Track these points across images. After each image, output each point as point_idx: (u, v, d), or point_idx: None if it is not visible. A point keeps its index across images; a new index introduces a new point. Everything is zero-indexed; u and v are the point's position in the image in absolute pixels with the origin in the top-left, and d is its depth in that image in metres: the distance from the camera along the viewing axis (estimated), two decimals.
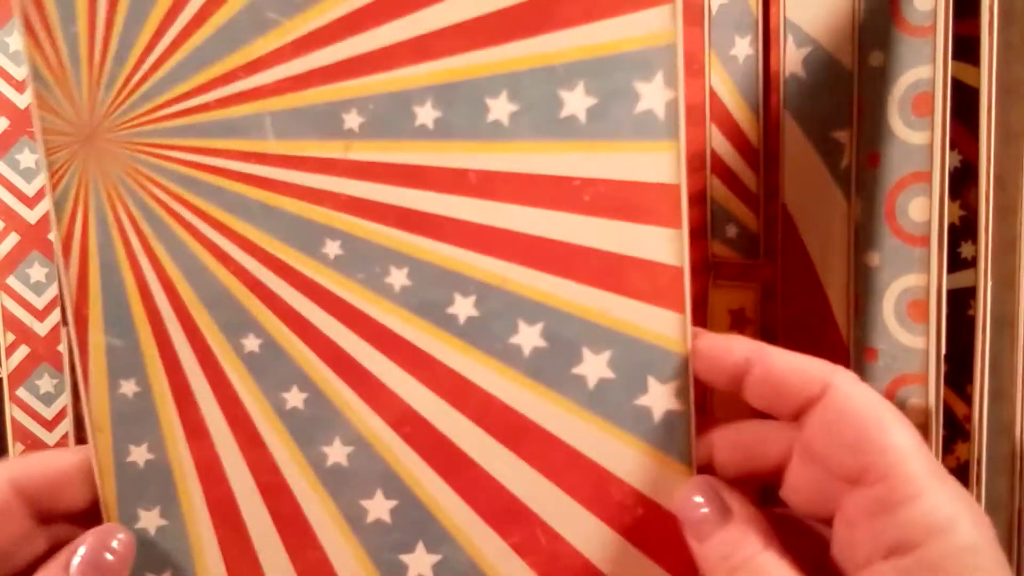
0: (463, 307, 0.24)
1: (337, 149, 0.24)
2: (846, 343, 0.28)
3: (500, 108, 0.23)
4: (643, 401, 0.24)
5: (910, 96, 0.26)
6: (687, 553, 0.23)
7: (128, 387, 0.26)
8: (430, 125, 0.23)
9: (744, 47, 0.30)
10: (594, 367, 0.24)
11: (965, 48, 0.25)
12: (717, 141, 0.31)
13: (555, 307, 0.24)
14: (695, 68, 0.31)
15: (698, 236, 0.32)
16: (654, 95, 0.22)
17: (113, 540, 0.25)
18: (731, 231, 0.31)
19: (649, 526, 0.24)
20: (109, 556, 0.25)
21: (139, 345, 0.26)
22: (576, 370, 0.24)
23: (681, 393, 0.24)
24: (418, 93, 0.23)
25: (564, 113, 0.23)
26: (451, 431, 0.25)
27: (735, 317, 0.31)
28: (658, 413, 0.24)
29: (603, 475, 0.24)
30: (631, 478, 0.24)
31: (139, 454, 0.26)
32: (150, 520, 0.26)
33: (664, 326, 0.23)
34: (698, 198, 0.32)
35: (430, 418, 0.25)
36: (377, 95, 0.23)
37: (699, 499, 0.23)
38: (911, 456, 0.20)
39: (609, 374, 0.24)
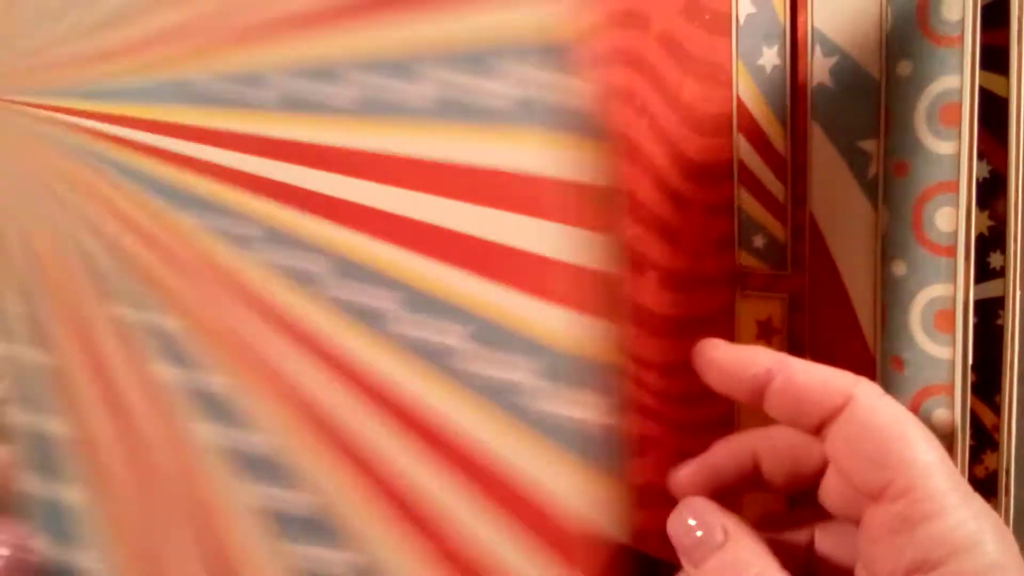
0: (376, 298, 0.24)
1: (242, 121, 0.24)
2: (872, 353, 0.28)
3: (402, 90, 0.22)
4: (560, 409, 0.22)
5: (937, 106, 0.26)
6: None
7: (31, 354, 0.26)
8: (338, 103, 0.23)
9: (772, 57, 0.30)
10: (508, 370, 0.23)
11: (994, 58, 0.25)
12: (745, 151, 0.31)
13: (457, 302, 0.23)
14: (722, 79, 0.32)
15: (726, 246, 0.32)
16: (548, 84, 0.21)
17: (26, 541, 0.25)
18: (758, 241, 0.31)
19: (569, 538, 0.23)
20: (26, 557, 0.25)
21: (40, 313, 0.25)
22: (490, 372, 0.23)
23: (599, 401, 0.22)
24: (325, 70, 0.23)
25: (467, 99, 0.22)
26: (358, 424, 0.24)
27: (762, 327, 0.31)
28: (577, 422, 0.22)
29: (521, 483, 0.23)
30: (549, 486, 0.23)
31: (43, 424, 0.26)
32: (53, 492, 0.26)
33: (567, 328, 0.22)
34: (726, 208, 0.32)
35: (334, 409, 0.24)
36: (286, 69, 0.23)
37: (692, 522, 0.22)
38: (934, 471, 0.19)
39: (525, 378, 0.23)
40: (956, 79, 0.25)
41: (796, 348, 0.30)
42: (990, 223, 0.26)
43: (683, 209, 0.34)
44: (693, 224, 0.33)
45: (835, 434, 0.21)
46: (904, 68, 0.26)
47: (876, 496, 0.20)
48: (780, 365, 0.22)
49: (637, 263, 0.36)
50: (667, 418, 0.35)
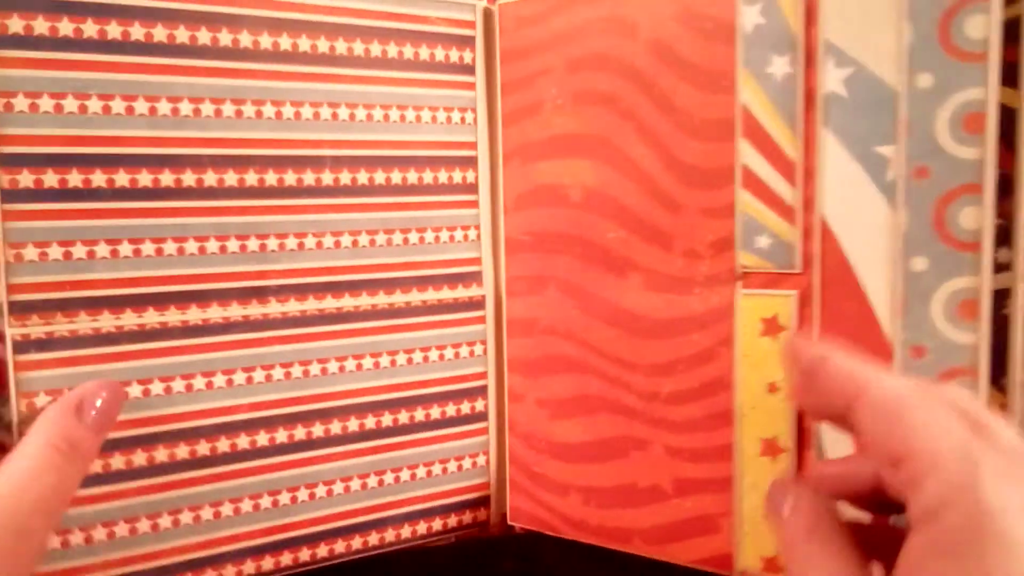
0: None
1: None
2: (890, 343, 0.28)
3: None
4: None
5: (961, 115, 0.26)
6: None
7: None
8: None
9: (782, 65, 0.29)
10: None
11: (1005, 72, 0.26)
12: (749, 156, 0.30)
13: None
14: (724, 85, 0.30)
15: (724, 247, 0.31)
16: None
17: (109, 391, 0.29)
18: (762, 242, 0.30)
19: None
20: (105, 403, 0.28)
21: None
22: None
23: None
24: None
25: None
26: None
27: (768, 324, 0.30)
28: None
29: None
30: None
31: None
32: None
33: None
34: (723, 210, 0.31)
35: None
36: None
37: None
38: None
39: None
40: (980, 91, 0.26)
41: None
42: (999, 221, 0.27)
43: (675, 211, 0.32)
44: (686, 226, 0.32)
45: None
46: (924, 80, 0.26)
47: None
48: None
49: (619, 266, 0.33)
50: (654, 418, 0.33)
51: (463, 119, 0.36)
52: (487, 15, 0.36)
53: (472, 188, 0.37)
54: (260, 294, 0.33)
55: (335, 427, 0.35)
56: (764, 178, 0.30)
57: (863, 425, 0.20)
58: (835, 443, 0.29)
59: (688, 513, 0.33)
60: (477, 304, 0.37)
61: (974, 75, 0.26)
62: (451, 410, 0.37)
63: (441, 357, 0.36)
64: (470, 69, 0.36)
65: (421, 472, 0.36)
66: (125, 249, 0.31)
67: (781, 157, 0.29)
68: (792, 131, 0.29)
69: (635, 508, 0.34)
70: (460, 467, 0.37)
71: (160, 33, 0.31)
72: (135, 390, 0.31)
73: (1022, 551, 0.16)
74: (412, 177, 0.35)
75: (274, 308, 0.33)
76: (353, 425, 0.35)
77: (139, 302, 0.31)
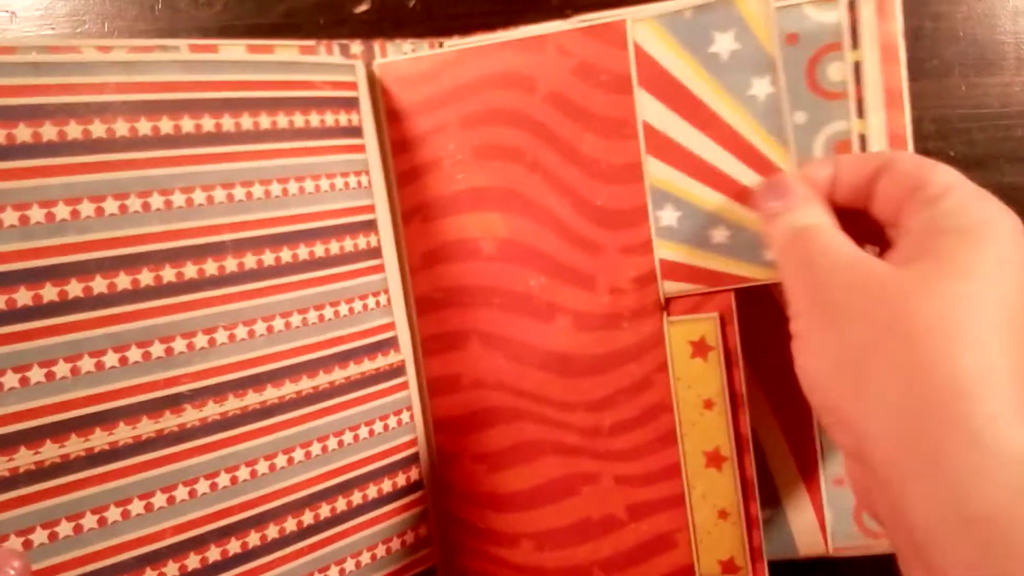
0: None
1: None
2: None
3: None
4: None
5: (831, 143, 0.30)
6: None
7: None
8: None
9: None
10: None
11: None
12: None
13: None
14: (627, 132, 0.32)
15: (647, 282, 0.33)
16: None
17: (9, 566, 0.24)
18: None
19: None
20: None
21: None
22: None
23: None
24: None
25: None
26: None
27: (696, 347, 0.32)
28: None
29: None
30: None
31: None
32: None
33: None
34: (642, 247, 0.33)
35: None
36: None
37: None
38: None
39: None
40: (844, 123, 0.30)
41: (731, 358, 0.32)
42: None
43: (594, 253, 0.33)
44: (608, 265, 0.33)
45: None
46: (799, 117, 0.31)
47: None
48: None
49: (544, 311, 0.34)
50: (600, 451, 0.34)
51: (359, 183, 0.35)
52: (371, 76, 0.35)
53: (376, 253, 0.35)
54: (173, 403, 0.29)
55: (272, 531, 0.31)
56: None
57: (894, 176, 0.26)
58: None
59: (645, 535, 0.34)
60: (398, 371, 0.36)
61: (840, 110, 0.30)
62: (387, 486, 0.35)
63: (371, 433, 0.34)
64: (359, 131, 0.35)
65: (366, 558, 0.34)
66: (10, 380, 0.27)
67: None
68: None
69: (592, 541, 0.35)
70: (404, 543, 0.35)
71: (24, 133, 0.27)
72: (40, 536, 0.27)
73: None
74: (319, 250, 0.33)
75: (191, 416, 0.30)
76: (291, 525, 0.32)
77: (32, 436, 0.27)
